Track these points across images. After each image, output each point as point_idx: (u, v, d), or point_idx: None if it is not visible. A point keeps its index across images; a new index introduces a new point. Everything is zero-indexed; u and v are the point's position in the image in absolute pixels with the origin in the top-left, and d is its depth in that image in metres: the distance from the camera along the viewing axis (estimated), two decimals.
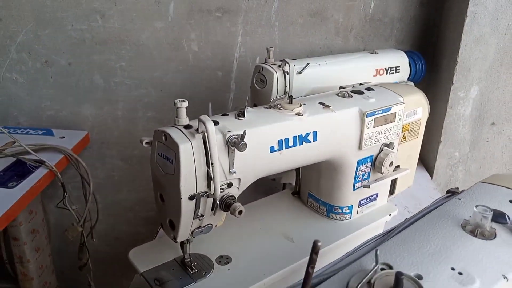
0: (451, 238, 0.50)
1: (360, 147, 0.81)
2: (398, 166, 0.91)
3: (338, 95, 0.84)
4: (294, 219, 0.91)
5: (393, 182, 0.94)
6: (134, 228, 1.66)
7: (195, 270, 0.75)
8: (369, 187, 0.87)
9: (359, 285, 0.41)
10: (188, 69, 1.42)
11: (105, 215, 1.58)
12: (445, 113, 1.23)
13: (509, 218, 0.53)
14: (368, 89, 0.88)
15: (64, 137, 1.40)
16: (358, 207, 0.90)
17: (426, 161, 1.37)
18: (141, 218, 1.64)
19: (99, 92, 1.46)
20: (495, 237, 0.51)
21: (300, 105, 0.76)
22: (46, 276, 1.46)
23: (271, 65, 1.05)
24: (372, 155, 0.86)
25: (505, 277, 0.44)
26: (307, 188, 0.94)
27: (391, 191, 0.95)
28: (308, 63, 1.05)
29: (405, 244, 0.50)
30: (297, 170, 0.98)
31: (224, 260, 0.78)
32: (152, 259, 0.77)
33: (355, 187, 0.87)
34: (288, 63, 1.01)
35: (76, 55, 1.40)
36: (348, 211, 0.89)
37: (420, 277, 0.44)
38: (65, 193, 1.20)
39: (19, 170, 1.16)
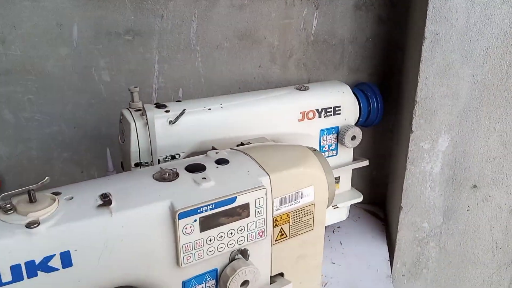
0: None
1: (178, 264, 0.48)
2: (282, 275, 0.57)
3: (154, 178, 0.50)
4: None
5: None
6: None
7: None
8: None
9: None
10: (101, 102, 1.13)
11: None
12: (405, 171, 0.85)
13: None
14: (221, 161, 0.54)
15: None
16: None
17: (388, 233, 0.99)
18: None
19: (10, 129, 1.21)
20: None
21: (50, 204, 0.43)
22: None
23: (135, 111, 0.73)
24: (216, 269, 0.51)
25: None
26: None
27: None
28: (185, 110, 0.72)
29: None
30: None
31: None
32: None
33: None
34: (145, 110, 0.69)
35: None
36: None
37: None
38: None
39: None
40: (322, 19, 0.95)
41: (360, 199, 0.93)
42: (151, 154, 0.70)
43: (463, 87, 0.78)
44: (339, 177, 0.92)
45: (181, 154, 0.74)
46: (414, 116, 0.81)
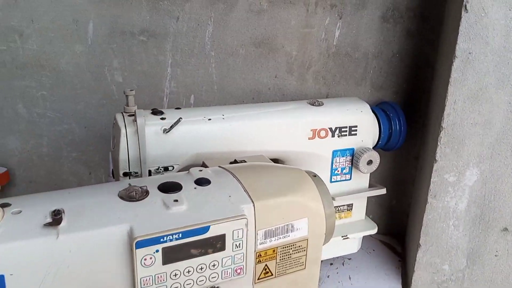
0: None
1: None
2: None
3: (119, 195, 0.44)
4: None
5: None
6: None
7: None
8: None
9: None
10: (112, 103, 1.09)
11: None
12: (426, 204, 0.76)
13: None
14: (201, 181, 0.47)
15: None
16: None
17: (405, 271, 0.89)
18: None
19: (23, 123, 1.19)
20: None
21: None
22: None
23: (128, 116, 0.67)
24: None
25: None
26: None
27: None
28: (180, 118, 0.66)
29: None
30: None
31: None
32: None
33: None
34: (136, 116, 0.63)
35: None
36: None
37: None
38: None
39: None
40: (346, 30, 0.88)
41: (374, 231, 0.84)
42: (141, 164, 0.64)
43: (497, 115, 0.68)
44: (352, 204, 0.83)
45: (175, 166, 0.68)
46: (439, 143, 0.72)
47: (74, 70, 1.08)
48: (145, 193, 0.43)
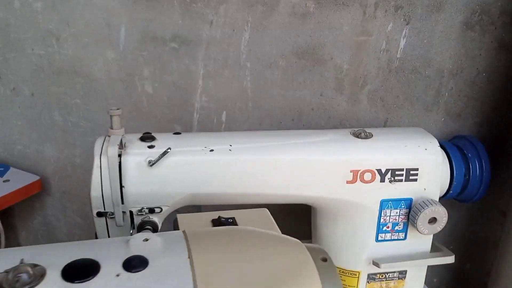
0: None
1: None
2: None
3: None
4: None
5: None
6: None
7: None
8: None
9: None
10: (142, 116, 0.98)
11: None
12: None
13: None
14: (134, 262, 0.31)
15: (9, 180, 1.10)
16: None
17: None
18: None
19: (58, 131, 1.14)
20: None
21: None
22: None
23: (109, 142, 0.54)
24: None
25: None
26: None
27: None
28: (169, 149, 0.50)
29: None
30: None
31: None
32: None
33: None
34: (110, 141, 0.49)
35: (38, 85, 1.10)
36: None
37: None
38: None
39: None
40: (414, 39, 0.67)
41: None
42: (113, 203, 0.50)
43: None
44: (405, 271, 0.62)
45: (164, 208, 0.53)
46: None
47: (106, 78, 0.99)
48: (38, 278, 0.28)
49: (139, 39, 0.92)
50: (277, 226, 0.39)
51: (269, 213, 0.41)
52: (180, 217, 0.39)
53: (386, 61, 0.70)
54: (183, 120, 0.93)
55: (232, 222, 0.39)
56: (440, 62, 0.66)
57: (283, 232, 0.89)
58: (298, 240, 0.35)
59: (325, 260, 0.34)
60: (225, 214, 0.40)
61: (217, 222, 0.39)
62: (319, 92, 0.76)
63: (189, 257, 0.31)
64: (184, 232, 0.35)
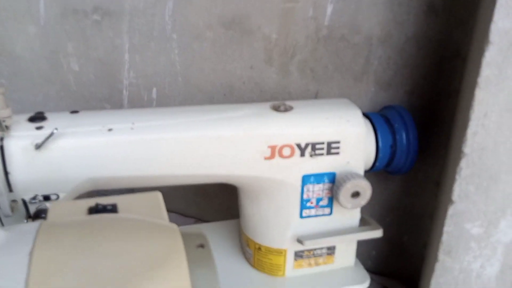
0: None
1: None
2: None
3: None
4: None
5: None
6: None
7: None
8: None
9: None
10: (70, 96, 0.92)
11: None
12: (435, 263, 0.50)
13: None
14: None
15: None
16: None
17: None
18: None
19: None
20: None
21: None
22: None
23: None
24: None
25: None
26: None
27: None
28: (56, 129, 0.45)
29: None
30: None
31: None
32: None
33: None
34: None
35: None
36: None
37: None
38: None
39: None
40: (341, 4, 0.62)
41: (365, 286, 0.59)
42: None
43: None
44: (334, 247, 0.59)
45: (61, 195, 0.47)
46: (457, 177, 0.46)
47: (29, 56, 0.92)
48: None
49: (60, 12, 0.84)
50: (165, 212, 0.34)
51: (161, 197, 0.37)
52: (54, 205, 0.34)
53: (314, 29, 0.65)
54: (113, 98, 0.87)
55: (112, 209, 0.34)
56: (369, 29, 0.62)
57: (218, 210, 0.85)
58: (175, 227, 0.31)
59: (202, 246, 0.30)
60: (110, 200, 0.35)
61: (93, 210, 0.34)
62: (249, 64, 0.71)
63: (29, 254, 0.26)
64: (41, 223, 0.30)
